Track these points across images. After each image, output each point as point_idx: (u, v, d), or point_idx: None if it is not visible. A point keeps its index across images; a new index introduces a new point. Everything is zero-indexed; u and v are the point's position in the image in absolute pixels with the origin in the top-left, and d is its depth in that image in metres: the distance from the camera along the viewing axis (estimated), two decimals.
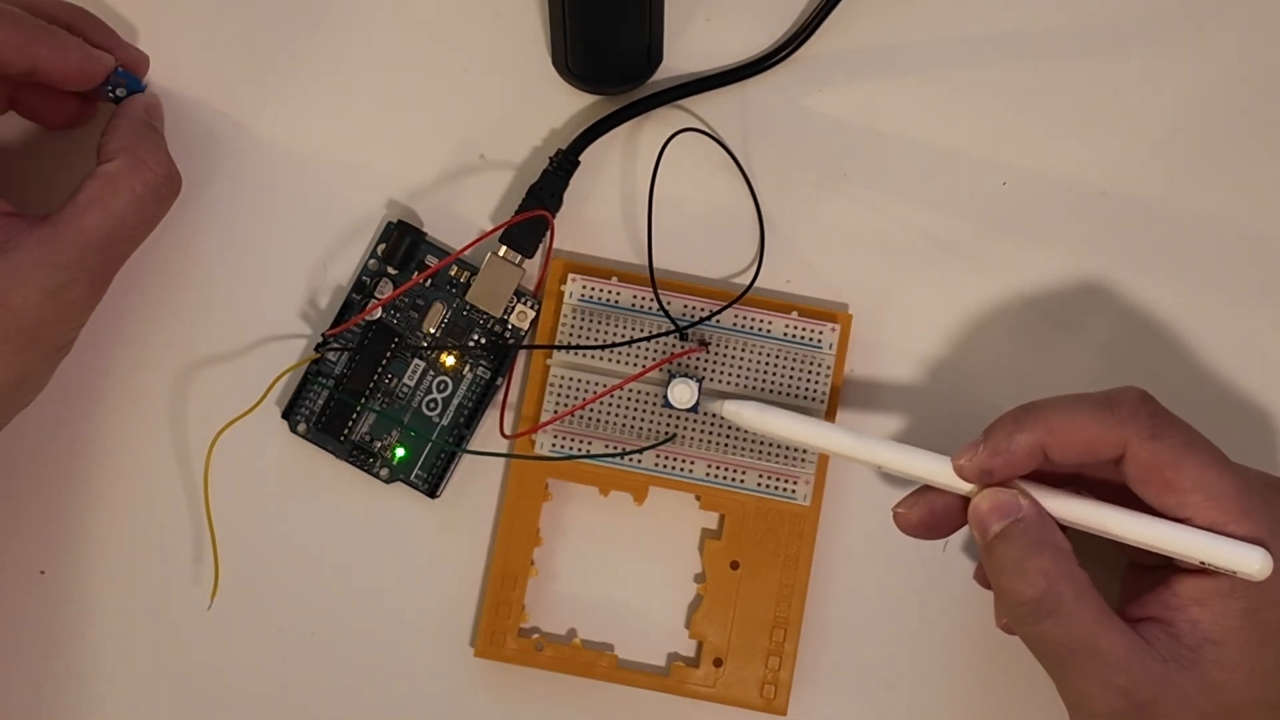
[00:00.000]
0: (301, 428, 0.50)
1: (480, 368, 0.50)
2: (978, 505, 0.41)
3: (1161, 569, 0.41)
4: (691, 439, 0.49)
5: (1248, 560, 0.39)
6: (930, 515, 0.43)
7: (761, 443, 0.49)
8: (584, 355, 0.49)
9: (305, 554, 0.50)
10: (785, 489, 0.49)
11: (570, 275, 0.49)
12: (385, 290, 0.50)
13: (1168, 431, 0.40)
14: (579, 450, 0.49)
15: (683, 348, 0.49)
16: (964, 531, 0.50)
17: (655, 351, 0.49)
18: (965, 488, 0.42)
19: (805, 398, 0.49)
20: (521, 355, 0.50)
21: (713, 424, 0.49)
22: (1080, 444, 0.40)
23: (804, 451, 0.48)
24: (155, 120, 0.48)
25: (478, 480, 0.50)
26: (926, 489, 0.43)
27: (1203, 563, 0.39)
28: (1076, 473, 0.43)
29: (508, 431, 0.50)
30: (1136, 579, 0.43)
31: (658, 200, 0.49)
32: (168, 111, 0.50)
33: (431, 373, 0.50)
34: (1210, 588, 0.40)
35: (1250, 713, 0.40)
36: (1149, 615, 0.41)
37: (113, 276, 0.46)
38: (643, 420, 0.49)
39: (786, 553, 0.49)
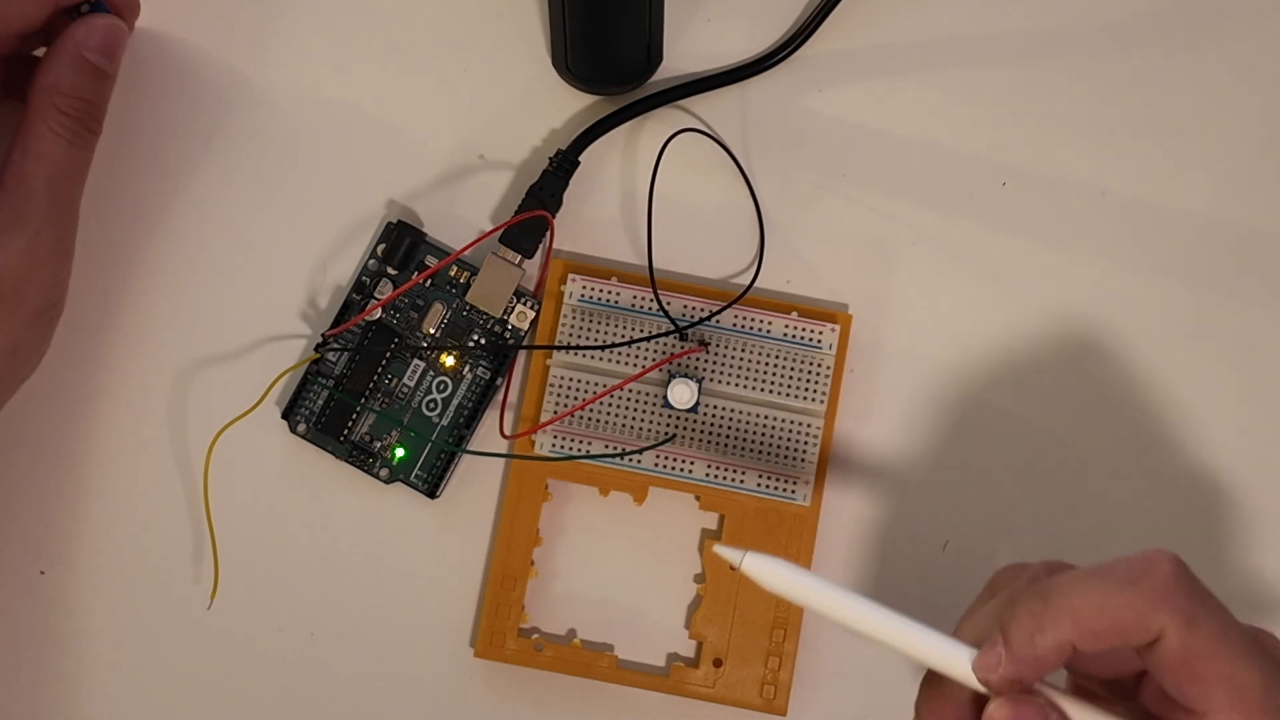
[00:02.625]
0: (301, 428, 0.50)
1: (480, 368, 0.50)
2: (997, 712, 0.36)
3: None
4: (691, 439, 0.49)
5: None
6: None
7: (761, 443, 0.49)
8: (584, 355, 0.49)
9: (305, 554, 0.50)
10: (785, 489, 0.49)
11: (570, 275, 0.49)
12: (385, 290, 0.50)
13: (1203, 617, 0.35)
14: (579, 450, 0.49)
15: (683, 348, 0.49)
16: (963, 534, 0.50)
17: (655, 352, 0.49)
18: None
19: (805, 398, 0.49)
20: (521, 355, 0.50)
21: (712, 424, 0.49)
22: (1110, 633, 0.35)
23: (804, 451, 0.49)
24: (109, 51, 0.47)
25: (478, 480, 0.50)
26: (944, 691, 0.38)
27: None
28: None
29: (507, 432, 0.50)
30: None
31: (658, 200, 0.49)
32: (169, 112, 0.51)
33: (431, 373, 0.50)
34: None
35: None
36: None
37: (74, 219, 0.47)
38: (643, 420, 0.49)
39: (786, 553, 0.49)
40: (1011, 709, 0.36)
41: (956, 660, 0.37)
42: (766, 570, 0.38)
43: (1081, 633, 0.35)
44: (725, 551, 0.38)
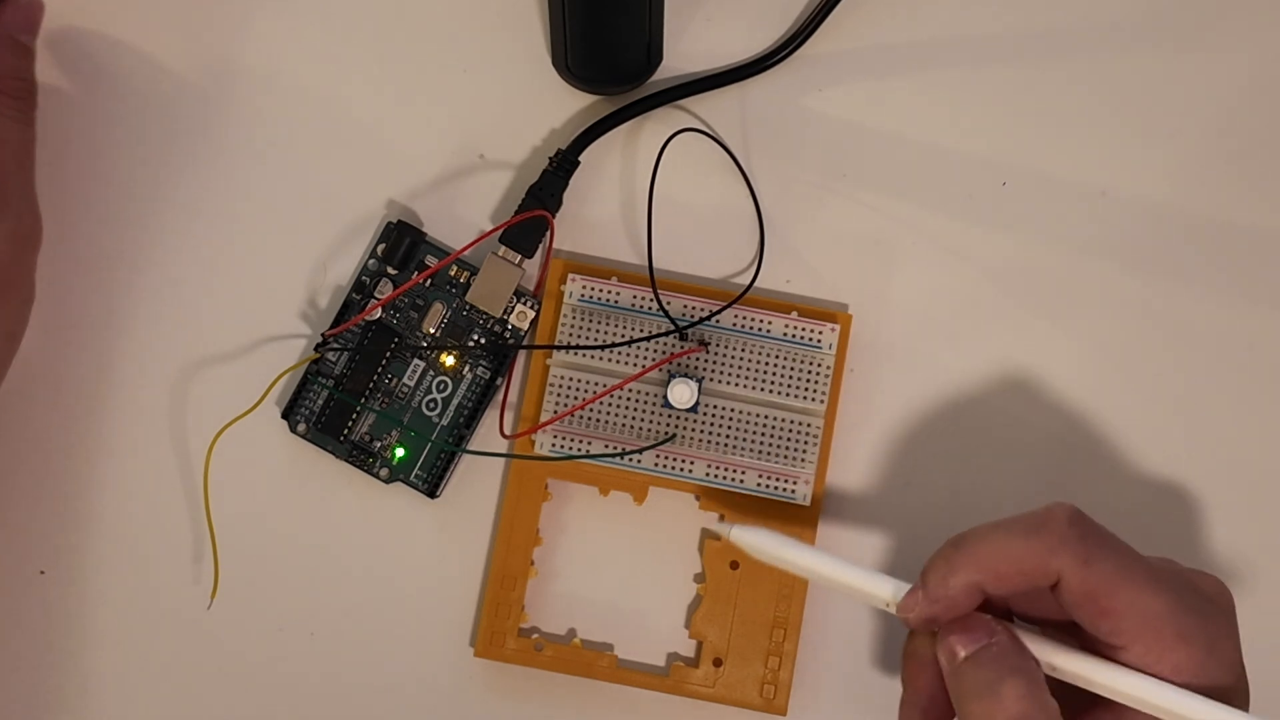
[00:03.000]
0: (301, 428, 0.50)
1: (480, 368, 0.50)
2: (946, 632, 0.39)
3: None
4: (691, 439, 0.49)
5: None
6: (927, 714, 0.41)
7: (761, 443, 0.49)
8: (584, 355, 0.49)
9: (305, 554, 0.50)
10: (785, 489, 0.49)
11: (570, 275, 0.49)
12: (385, 290, 0.50)
13: (1099, 555, 0.38)
14: (579, 450, 0.49)
15: (683, 348, 0.49)
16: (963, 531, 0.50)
17: (655, 351, 0.49)
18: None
19: (805, 398, 0.49)
20: (521, 355, 0.50)
21: (712, 424, 0.49)
22: (1014, 575, 0.39)
23: (804, 451, 0.49)
24: (34, 29, 0.48)
25: (478, 480, 0.50)
26: (906, 692, 0.41)
27: None
28: (1006, 603, 0.41)
29: (507, 431, 0.50)
30: (1070, 696, 0.41)
31: (658, 200, 0.49)
32: (168, 112, 0.51)
33: (431, 373, 0.50)
34: None
35: None
36: None
37: (35, 196, 0.47)
38: (643, 420, 0.49)
39: None
40: (962, 623, 0.39)
41: (883, 592, 0.41)
42: (748, 538, 0.42)
43: (987, 575, 0.39)
44: (720, 528, 0.43)
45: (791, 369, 0.49)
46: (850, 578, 0.41)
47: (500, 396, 0.50)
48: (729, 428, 0.49)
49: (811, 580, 0.42)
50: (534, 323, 0.50)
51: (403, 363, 0.50)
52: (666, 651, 0.50)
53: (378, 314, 0.50)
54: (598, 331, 0.49)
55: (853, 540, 0.50)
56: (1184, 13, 0.51)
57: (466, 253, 0.50)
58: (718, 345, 0.49)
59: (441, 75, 0.51)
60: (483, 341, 0.50)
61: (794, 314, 0.49)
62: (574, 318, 0.49)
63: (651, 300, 0.49)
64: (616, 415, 0.49)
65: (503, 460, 0.50)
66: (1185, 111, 0.51)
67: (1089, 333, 0.50)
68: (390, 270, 0.50)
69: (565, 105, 0.51)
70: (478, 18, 0.51)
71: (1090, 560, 0.38)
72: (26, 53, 0.48)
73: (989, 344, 0.50)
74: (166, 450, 0.50)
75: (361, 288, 0.50)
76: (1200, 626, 0.38)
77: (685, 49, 0.51)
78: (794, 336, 0.49)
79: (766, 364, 0.49)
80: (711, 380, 0.49)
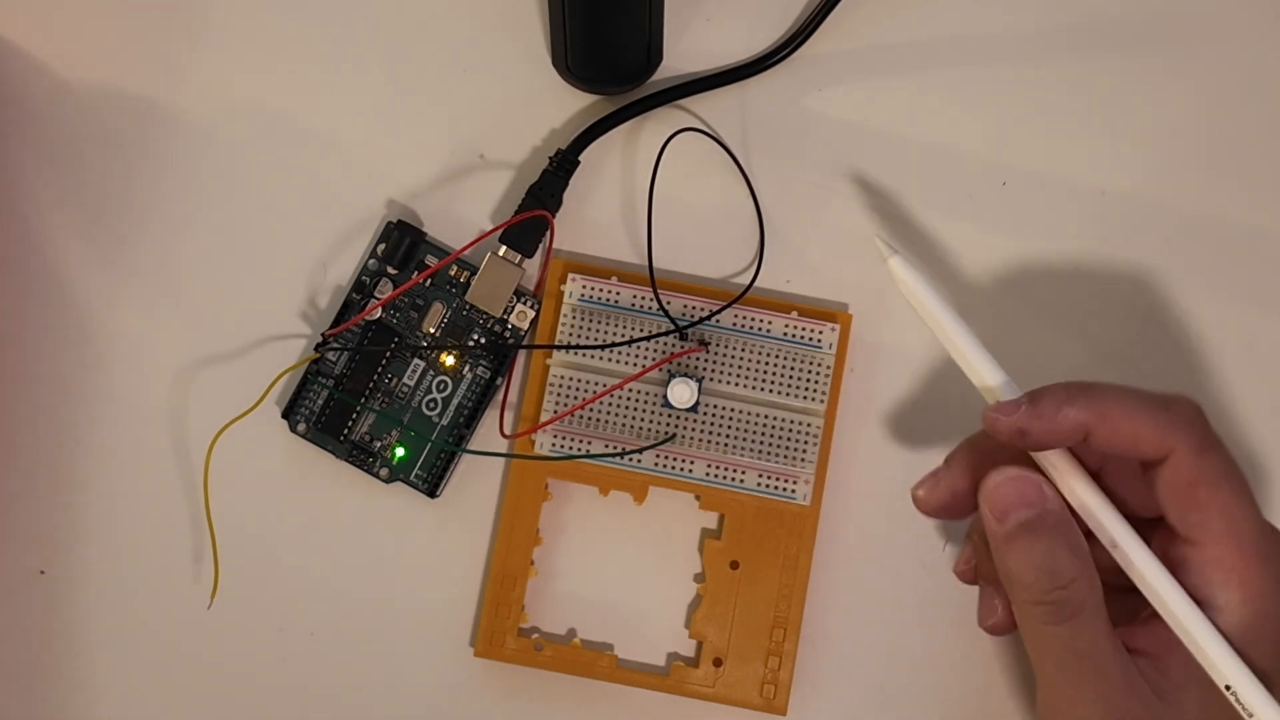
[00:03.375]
0: (301, 428, 0.50)
1: (480, 368, 0.50)
2: (998, 488, 0.39)
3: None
4: (691, 439, 0.49)
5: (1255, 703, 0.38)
6: (952, 499, 0.42)
7: (761, 442, 0.49)
8: (584, 355, 0.49)
9: (305, 554, 0.50)
10: (785, 489, 0.49)
11: (570, 275, 0.49)
12: (385, 290, 0.50)
13: (1214, 451, 0.39)
14: (579, 450, 0.49)
15: (683, 347, 0.49)
16: (963, 534, 0.50)
17: (655, 351, 0.49)
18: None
19: (805, 397, 0.49)
20: (521, 355, 0.50)
21: (712, 424, 0.49)
22: (1127, 436, 0.39)
23: (804, 451, 0.48)
24: None
25: (478, 480, 0.50)
26: (946, 470, 0.42)
27: (1228, 687, 0.38)
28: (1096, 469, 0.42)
29: (507, 431, 0.50)
30: (1118, 602, 0.42)
31: (658, 200, 0.49)
32: (167, 111, 0.51)
33: (431, 373, 0.50)
34: None
35: None
36: (1138, 648, 0.40)
37: None
38: (643, 420, 0.49)
39: (786, 553, 0.49)
40: (1016, 483, 0.39)
41: (992, 380, 0.41)
42: (906, 278, 0.42)
43: (1104, 422, 0.39)
44: (880, 245, 0.43)
45: (791, 369, 0.49)
46: (970, 351, 0.41)
47: (500, 396, 0.50)
48: (729, 428, 0.49)
49: (936, 335, 0.42)
50: (534, 323, 0.50)
51: (403, 363, 0.50)
52: (666, 651, 0.50)
53: (378, 314, 0.50)
54: (598, 331, 0.49)
55: (853, 540, 0.50)
56: (1184, 12, 0.51)
57: (466, 253, 0.50)
58: (718, 345, 0.49)
59: (441, 75, 0.51)
60: (483, 341, 0.50)
61: (794, 314, 0.49)
62: (574, 318, 0.49)
63: (651, 300, 0.49)
64: (616, 415, 0.49)
65: (503, 460, 0.50)
66: (1185, 111, 0.51)
67: (1089, 333, 0.50)
68: (390, 270, 0.50)
69: (565, 105, 0.51)
70: (478, 18, 0.51)
71: (1205, 451, 0.39)
72: None
73: (989, 344, 0.50)
74: (166, 450, 0.50)
75: (361, 288, 0.50)
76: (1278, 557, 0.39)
77: (685, 49, 0.51)
78: (794, 336, 0.49)
79: (766, 364, 0.49)
80: (711, 380, 0.49)
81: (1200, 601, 0.39)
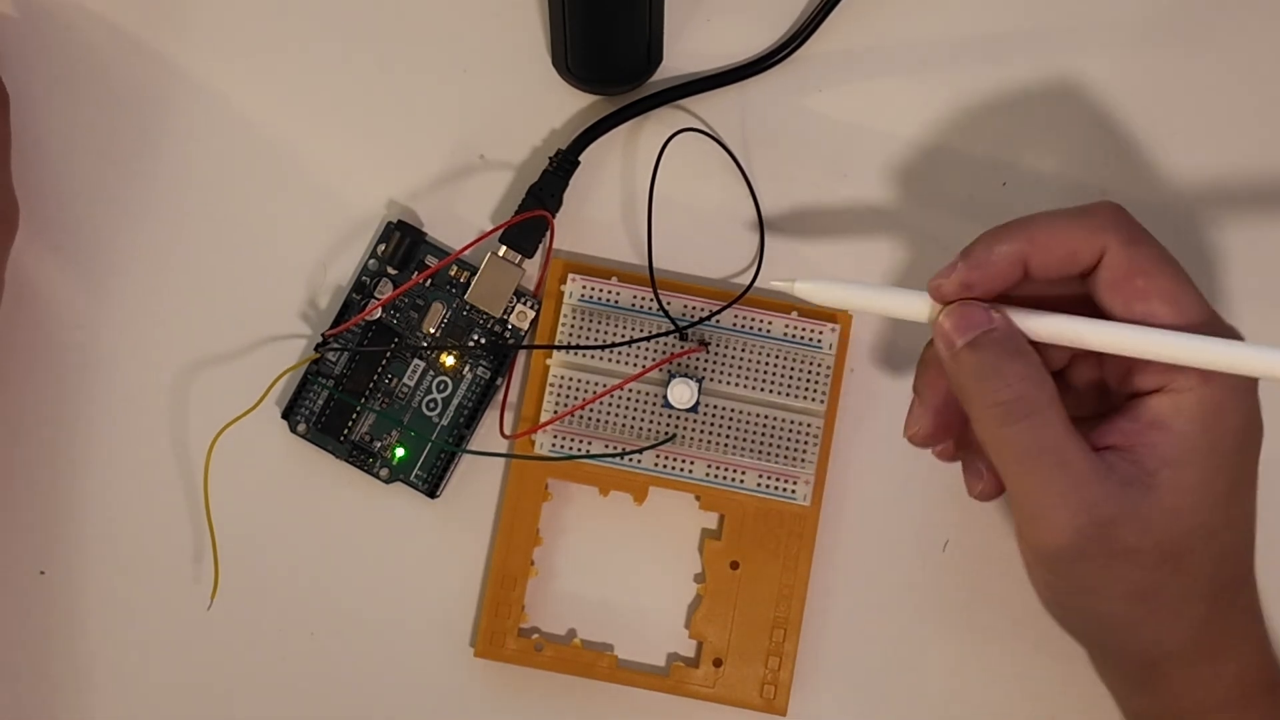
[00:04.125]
0: (301, 428, 0.50)
1: (480, 368, 0.50)
2: (944, 320, 0.40)
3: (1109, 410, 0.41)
4: (691, 439, 0.49)
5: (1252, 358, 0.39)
6: (938, 416, 0.43)
7: (761, 443, 0.49)
8: (584, 355, 0.49)
9: (305, 554, 0.50)
10: (785, 489, 0.49)
11: (570, 275, 0.49)
12: (385, 290, 0.50)
13: (1143, 240, 0.40)
14: (579, 450, 0.49)
15: (683, 348, 0.49)
16: (963, 534, 0.50)
17: (655, 351, 0.49)
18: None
19: (805, 398, 0.49)
20: (521, 355, 0.50)
21: (712, 424, 0.49)
22: (1061, 252, 0.40)
23: (804, 451, 0.48)
24: None
25: (478, 480, 0.50)
26: (917, 399, 0.43)
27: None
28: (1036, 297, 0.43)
29: (507, 431, 0.50)
30: (1088, 420, 0.43)
31: (658, 200, 0.49)
32: (167, 111, 0.51)
33: (431, 373, 0.50)
34: (1170, 407, 0.39)
35: (1198, 537, 0.40)
36: (1108, 444, 0.40)
37: (12, 186, 0.48)
38: (643, 420, 0.49)
39: (786, 553, 0.49)
40: (959, 310, 0.40)
41: (916, 302, 0.41)
42: (814, 289, 0.42)
43: (1036, 247, 0.40)
44: (778, 284, 0.43)
45: (791, 369, 0.49)
46: (887, 304, 0.42)
47: (500, 396, 0.50)
48: (729, 428, 0.49)
49: (873, 310, 0.43)
50: (534, 323, 0.50)
51: (403, 363, 0.50)
52: (666, 651, 0.50)
53: (378, 314, 0.50)
54: (598, 331, 0.49)
55: (852, 540, 0.50)
56: (1186, 13, 0.51)
57: (466, 253, 0.50)
58: (718, 345, 0.49)
59: (441, 75, 0.51)
60: (483, 341, 0.50)
61: (794, 314, 0.49)
62: (574, 318, 0.49)
63: (651, 300, 0.49)
64: (616, 415, 0.49)
65: (503, 460, 0.50)
66: (1185, 111, 0.51)
67: None
68: (390, 270, 0.50)
69: (565, 105, 0.51)
70: (477, 18, 0.51)
71: (1134, 242, 0.40)
72: None
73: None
74: (166, 450, 0.50)
75: (361, 288, 0.50)
76: (1226, 329, 0.40)
77: (685, 49, 0.51)
78: (794, 336, 0.49)
79: (766, 364, 0.49)
80: (711, 380, 0.49)
81: (1159, 389, 0.40)
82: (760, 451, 0.49)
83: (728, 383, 0.49)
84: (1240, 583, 0.42)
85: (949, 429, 0.43)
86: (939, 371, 0.42)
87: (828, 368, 0.49)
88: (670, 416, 0.49)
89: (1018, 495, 0.40)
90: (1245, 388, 0.40)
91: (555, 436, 0.49)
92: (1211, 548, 0.40)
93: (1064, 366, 0.43)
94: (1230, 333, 0.40)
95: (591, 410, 0.49)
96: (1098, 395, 0.43)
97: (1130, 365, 0.41)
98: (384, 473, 0.50)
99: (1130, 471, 0.39)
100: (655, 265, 0.49)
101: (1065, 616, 0.43)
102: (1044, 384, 0.40)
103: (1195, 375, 0.39)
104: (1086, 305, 0.41)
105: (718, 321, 0.49)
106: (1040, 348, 0.41)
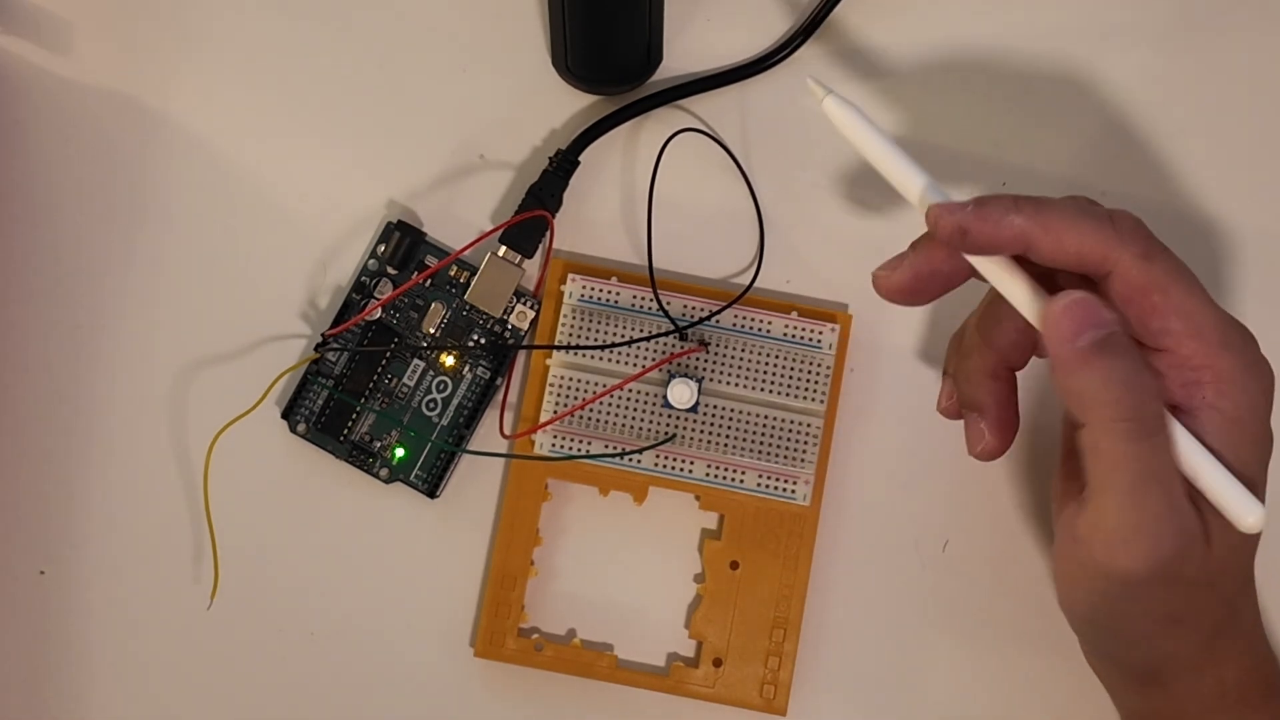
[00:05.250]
0: (301, 428, 0.50)
1: (480, 368, 0.50)
2: (1067, 309, 0.38)
3: None
4: (691, 439, 0.49)
5: (1244, 511, 0.38)
6: (915, 280, 0.41)
7: (761, 443, 0.49)
8: (584, 355, 0.49)
9: (305, 554, 0.50)
10: (785, 489, 0.49)
11: (570, 275, 0.49)
12: (385, 290, 0.50)
13: (1160, 256, 0.39)
14: (579, 450, 0.49)
15: (683, 348, 0.49)
16: (963, 533, 0.50)
17: (655, 351, 0.49)
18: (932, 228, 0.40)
19: (805, 398, 0.49)
20: (521, 355, 0.50)
21: (712, 424, 0.49)
22: (1071, 248, 0.39)
23: (804, 451, 0.48)
24: None
25: (477, 480, 0.50)
26: (910, 253, 0.42)
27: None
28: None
29: (507, 431, 0.50)
30: None
31: (658, 200, 0.49)
32: (170, 110, 0.51)
33: (431, 373, 0.50)
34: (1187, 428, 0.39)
35: (1234, 563, 0.40)
36: None
37: None
38: (643, 420, 0.49)
39: (786, 553, 0.49)
40: (1082, 305, 0.38)
41: (913, 182, 0.41)
42: (838, 114, 0.42)
43: (1048, 234, 0.39)
44: (812, 85, 0.42)
45: (791, 369, 0.49)
46: (890, 167, 0.41)
47: (500, 396, 0.50)
48: (729, 428, 0.49)
49: (861, 154, 0.42)
50: (534, 323, 0.50)
51: (403, 363, 0.50)
52: (666, 651, 0.50)
53: (378, 314, 0.50)
54: (598, 331, 0.49)
55: (853, 540, 0.50)
56: (1186, 13, 0.51)
57: (466, 253, 0.50)
58: (718, 345, 0.49)
59: (441, 75, 0.51)
60: (483, 341, 0.50)
61: (794, 314, 0.49)
62: (574, 318, 0.49)
63: (651, 300, 0.49)
64: (616, 415, 0.49)
65: (503, 460, 0.50)
66: (1187, 111, 0.51)
67: None
68: (390, 270, 0.50)
69: (565, 105, 0.51)
70: (477, 18, 0.51)
71: (1151, 257, 0.39)
72: None
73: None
74: (166, 450, 0.50)
75: (361, 288, 0.50)
76: (1244, 341, 0.39)
77: (685, 49, 0.51)
78: (794, 336, 0.49)
79: (766, 364, 0.49)
80: (711, 380, 0.49)
81: (1178, 408, 0.39)
82: (760, 451, 0.49)
83: (728, 383, 0.49)
84: (1246, 593, 0.42)
85: (919, 295, 0.42)
86: (929, 257, 0.41)
87: (827, 368, 0.49)
88: (670, 416, 0.49)
89: (1115, 513, 0.38)
90: (1262, 404, 0.39)
91: (555, 436, 0.49)
92: (1239, 568, 0.41)
93: None
94: (1247, 338, 0.40)
95: (591, 410, 0.49)
96: None
97: (1196, 377, 0.39)
98: (384, 473, 0.50)
99: (1199, 497, 0.39)
100: (655, 265, 0.49)
101: (1087, 627, 0.42)
102: (1162, 401, 0.38)
103: (1210, 392, 0.39)
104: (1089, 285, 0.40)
105: (718, 321, 0.49)
106: None
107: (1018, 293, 0.40)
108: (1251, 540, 0.40)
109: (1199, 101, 0.51)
